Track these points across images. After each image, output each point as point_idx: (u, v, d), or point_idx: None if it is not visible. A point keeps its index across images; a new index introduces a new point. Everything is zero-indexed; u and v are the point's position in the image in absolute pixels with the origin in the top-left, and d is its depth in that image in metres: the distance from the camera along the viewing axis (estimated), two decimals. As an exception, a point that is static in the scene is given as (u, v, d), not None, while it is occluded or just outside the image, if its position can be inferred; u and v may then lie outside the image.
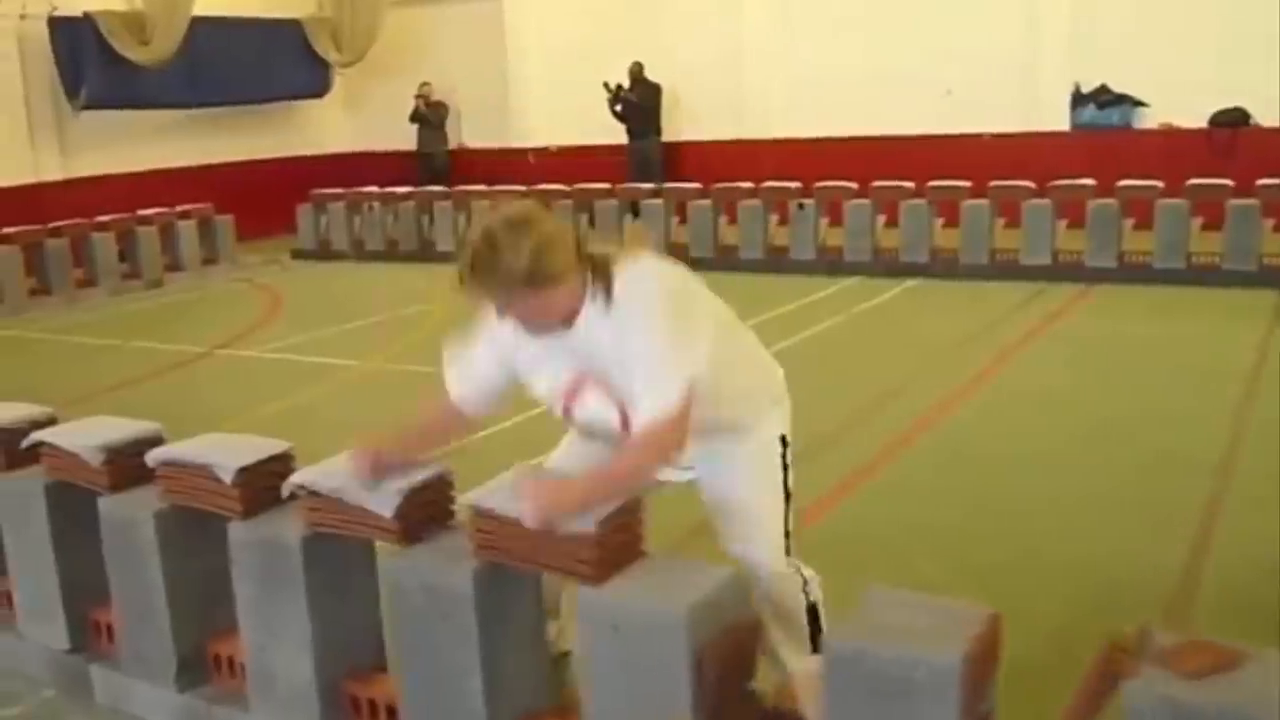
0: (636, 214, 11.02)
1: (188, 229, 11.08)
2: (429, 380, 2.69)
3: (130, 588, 2.89)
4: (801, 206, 9.53)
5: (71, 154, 12.54)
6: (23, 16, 11.94)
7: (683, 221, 10.25)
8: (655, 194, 10.33)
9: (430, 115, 14.03)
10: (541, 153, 13.75)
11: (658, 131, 12.66)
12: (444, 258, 10.29)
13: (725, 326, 2.51)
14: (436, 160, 13.99)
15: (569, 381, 2.40)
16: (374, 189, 11.84)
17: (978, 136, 11.33)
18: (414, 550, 2.43)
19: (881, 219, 9.42)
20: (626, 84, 12.55)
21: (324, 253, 11.87)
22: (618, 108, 12.41)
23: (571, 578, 2.26)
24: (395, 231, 11.65)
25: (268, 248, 12.18)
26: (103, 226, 10.54)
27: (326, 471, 2.56)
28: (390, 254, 11.54)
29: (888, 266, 9.22)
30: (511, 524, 2.25)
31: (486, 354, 2.49)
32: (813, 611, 2.59)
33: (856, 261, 9.34)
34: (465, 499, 2.39)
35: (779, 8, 12.46)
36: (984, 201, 9.03)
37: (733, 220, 10.00)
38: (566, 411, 2.45)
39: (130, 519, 2.85)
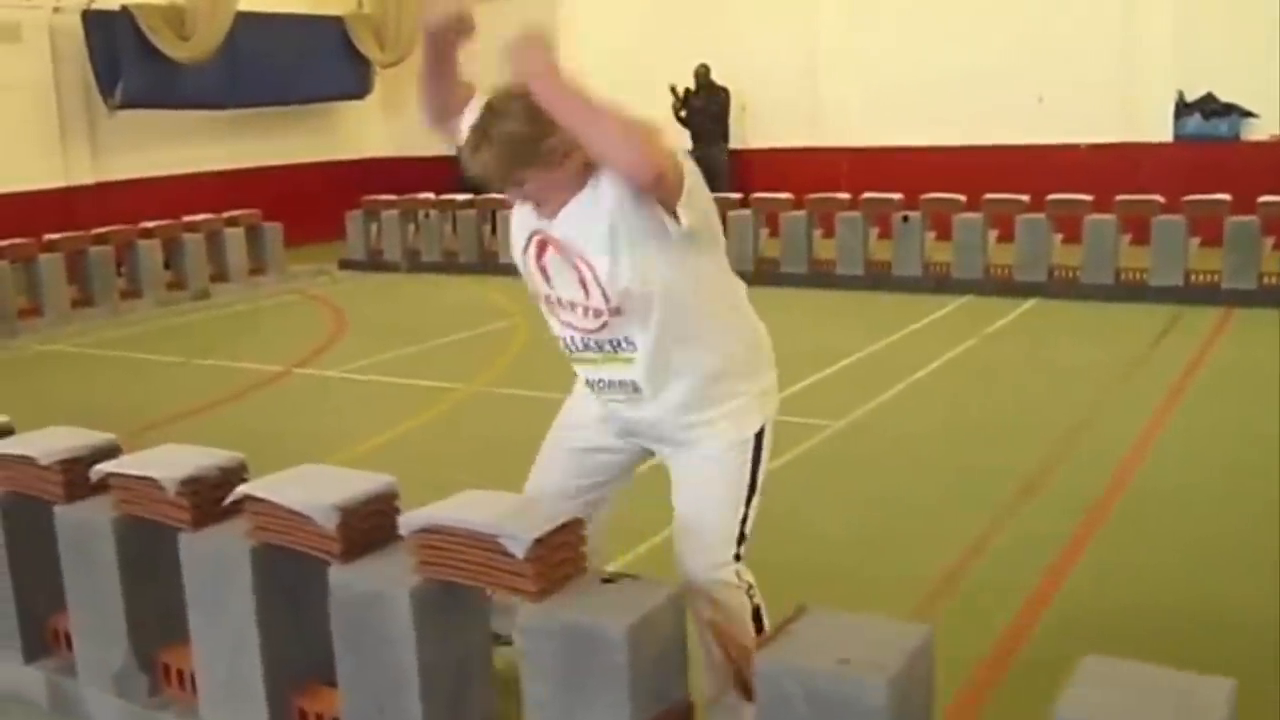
0: None
1: (235, 237, 10.37)
2: (544, 406, 2.62)
3: (218, 627, 2.65)
4: (907, 220, 8.91)
5: (102, 156, 11.81)
6: (56, 9, 11.24)
7: (773, 234, 9.62)
8: (742, 204, 9.69)
9: (476, 119, 13.36)
10: (597, 160, 13.08)
11: (725, 139, 12.04)
12: (507, 270, 9.55)
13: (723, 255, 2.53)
14: (480, 166, 13.32)
15: (534, 237, 2.43)
16: (430, 195, 11.14)
17: (1073, 147, 10.75)
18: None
19: (993, 234, 8.82)
20: (692, 88, 11.94)
21: (374, 263, 11.17)
22: (683, 114, 11.78)
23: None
24: (453, 242, 10.98)
25: (312, 257, 11.47)
26: (148, 233, 9.83)
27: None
28: (448, 266, 10.85)
29: (1000, 285, 8.60)
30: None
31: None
32: (757, 616, 2.52)
33: (966, 279, 8.72)
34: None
35: (857, 7, 11.85)
36: (1109, 217, 8.43)
37: (827, 234, 9.37)
38: (542, 271, 2.45)
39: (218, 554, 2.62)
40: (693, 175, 2.29)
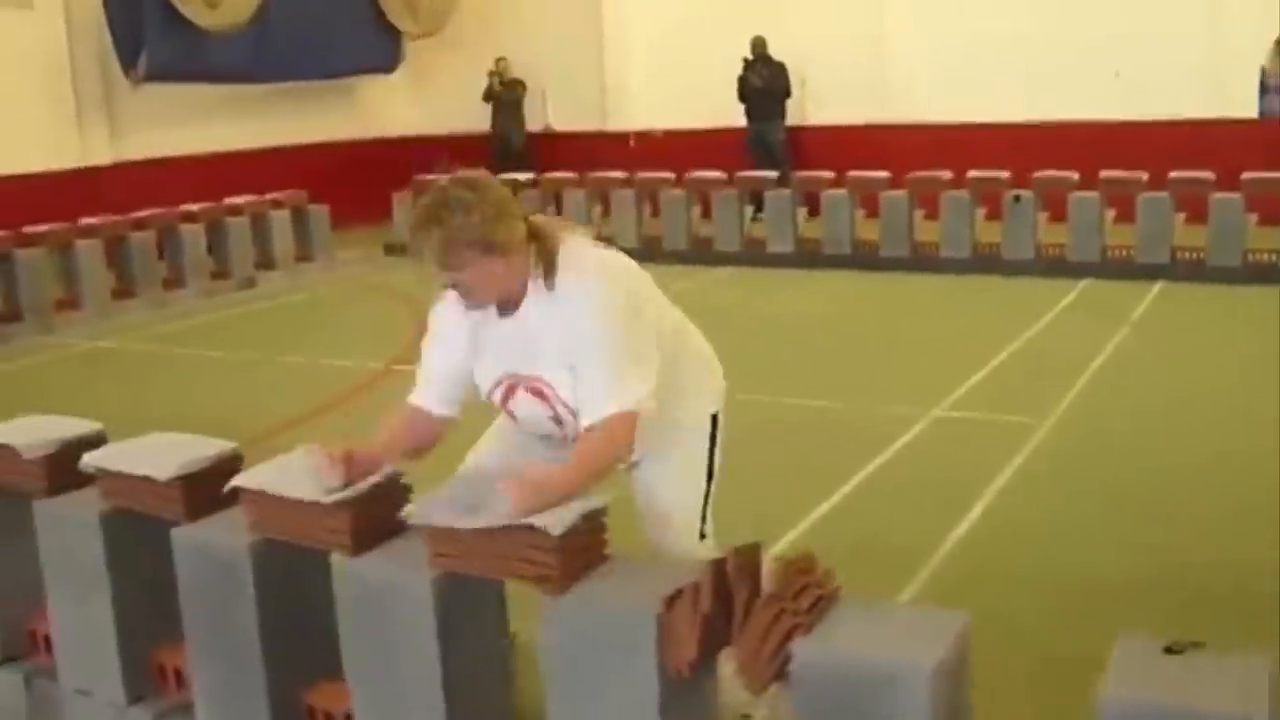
0: (759, 208, 9.87)
1: (280, 220, 9.63)
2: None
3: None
4: (1018, 199, 8.43)
5: (121, 134, 10.97)
6: (71, -26, 10.39)
7: (869, 215, 9.09)
8: (836, 182, 9.15)
9: (505, 94, 12.68)
10: (644, 136, 12.46)
11: (782, 115, 11.47)
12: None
13: (669, 327, 2.56)
14: (512, 143, 12.65)
15: (503, 382, 2.45)
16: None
17: (1153, 124, 10.31)
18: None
19: (1110, 214, 8.37)
20: (749, 58, 11.36)
21: (422, 247, 10.45)
22: (759, 82, 11.18)
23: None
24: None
25: (355, 242, 10.74)
26: (190, 217, 9.06)
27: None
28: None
29: (1121, 268, 8.14)
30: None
31: (440, 351, 2.51)
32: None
33: (1083, 262, 8.25)
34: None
35: (926, -25, 11.34)
36: (1235, 196, 8.00)
37: (930, 215, 8.86)
38: (509, 411, 2.52)
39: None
40: (649, 326, 2.41)
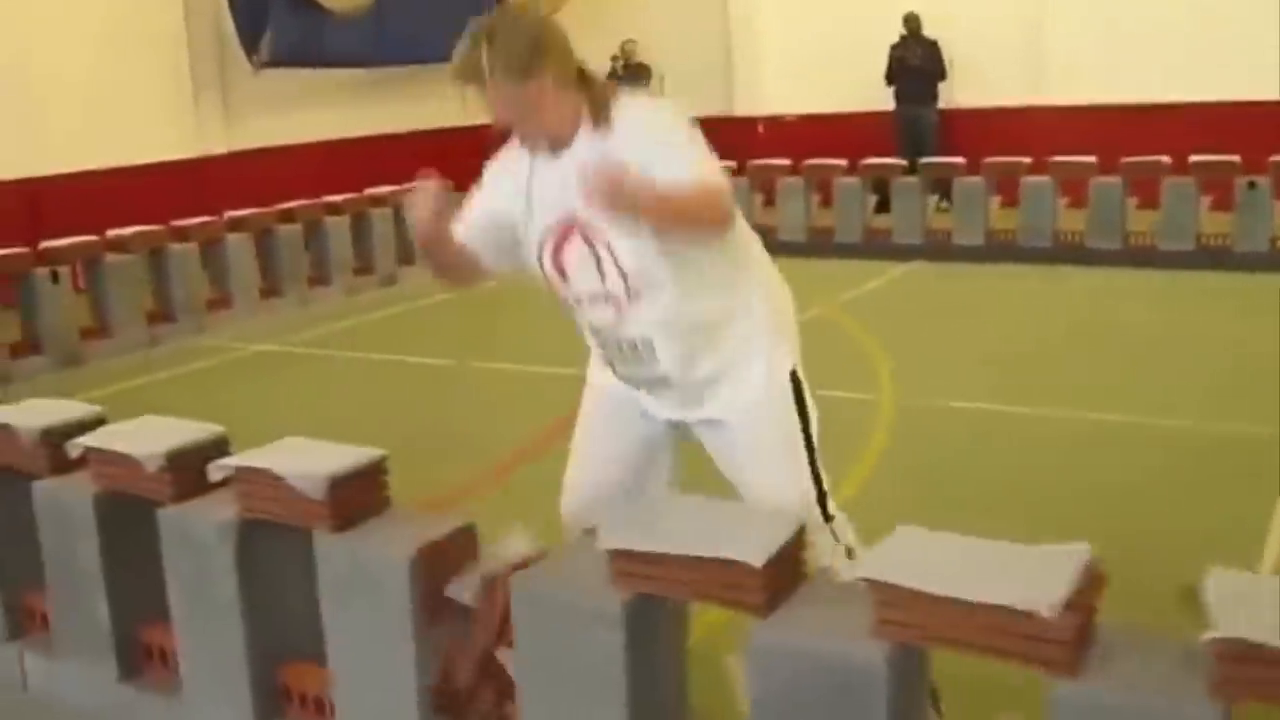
0: (885, 201, 9.24)
1: (422, 212, 8.96)
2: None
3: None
4: (1254, 186, 7.71)
5: (235, 122, 10.31)
6: (188, -51, 9.73)
7: (1072, 204, 8.40)
8: (1036, 168, 8.44)
9: (629, 79, 11.98)
10: (774, 122, 11.76)
11: (935, 98, 10.76)
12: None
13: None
14: (630, 131, 11.96)
15: (554, 231, 2.31)
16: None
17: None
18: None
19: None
20: (902, 36, 10.66)
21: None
22: (915, 61, 10.48)
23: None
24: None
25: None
26: (334, 209, 8.41)
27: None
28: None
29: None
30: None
31: (481, 195, 2.44)
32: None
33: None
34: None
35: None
36: None
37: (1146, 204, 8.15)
38: (559, 269, 2.34)
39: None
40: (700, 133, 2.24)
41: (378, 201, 8.66)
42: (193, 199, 8.88)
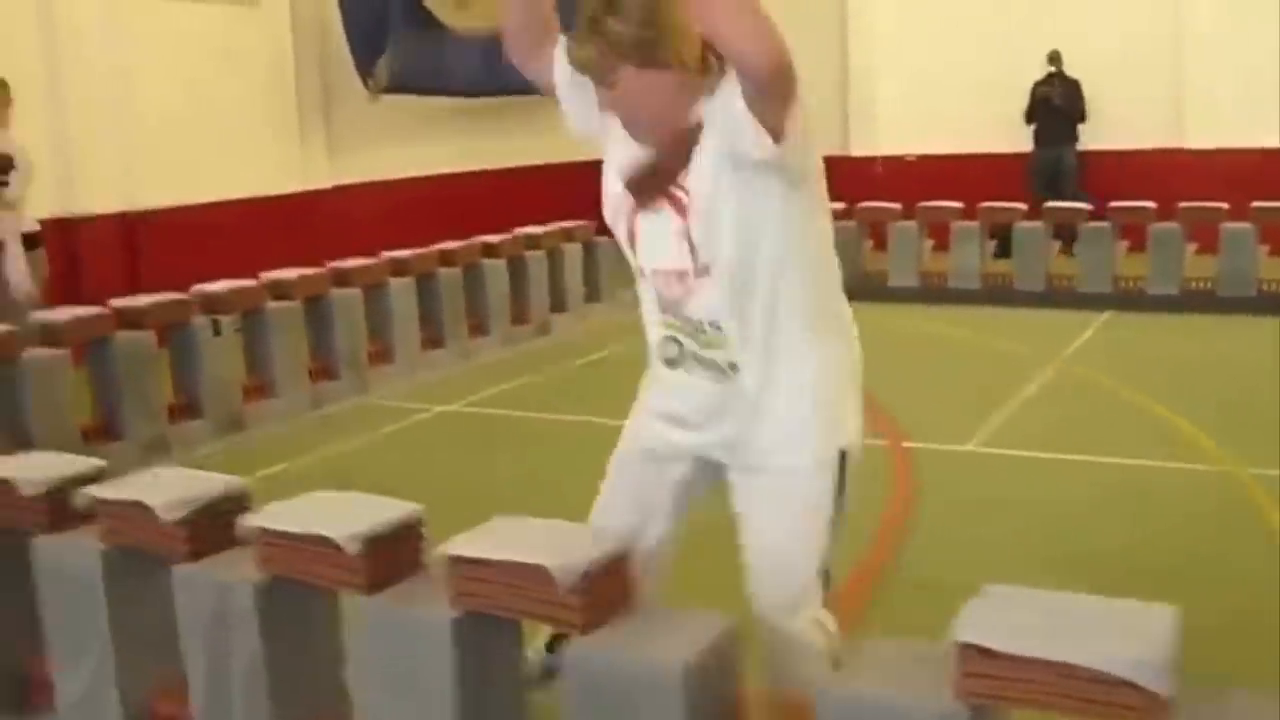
0: (1007, 247, 8.79)
1: (572, 255, 8.25)
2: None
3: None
4: None
5: (339, 153, 9.51)
6: (296, -36, 8.95)
7: (1202, 250, 8.01)
8: (1164, 213, 8.01)
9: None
10: (894, 162, 11.21)
11: (1075, 139, 10.30)
12: (939, 297, 8.09)
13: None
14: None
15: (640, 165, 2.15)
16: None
17: None
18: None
19: None
20: (1043, 76, 10.20)
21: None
22: (1058, 100, 10.01)
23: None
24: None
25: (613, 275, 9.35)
26: (491, 250, 7.64)
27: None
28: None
29: None
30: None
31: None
32: None
33: None
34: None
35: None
36: None
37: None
38: (632, 237, 2.23)
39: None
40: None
41: (533, 243, 7.91)
42: (298, 238, 8.10)
